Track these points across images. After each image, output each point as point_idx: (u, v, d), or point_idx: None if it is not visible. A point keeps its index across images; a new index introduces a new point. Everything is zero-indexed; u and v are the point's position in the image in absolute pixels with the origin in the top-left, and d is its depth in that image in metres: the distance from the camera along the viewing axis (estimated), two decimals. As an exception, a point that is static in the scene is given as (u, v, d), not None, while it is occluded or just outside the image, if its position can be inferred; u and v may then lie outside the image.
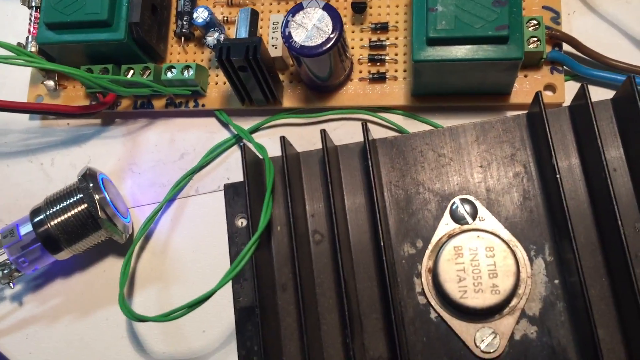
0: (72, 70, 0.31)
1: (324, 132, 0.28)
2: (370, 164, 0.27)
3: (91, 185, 0.31)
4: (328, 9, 0.30)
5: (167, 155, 0.35)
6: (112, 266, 0.34)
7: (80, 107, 0.34)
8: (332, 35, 0.29)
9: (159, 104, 0.35)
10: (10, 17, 0.39)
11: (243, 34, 0.31)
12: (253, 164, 0.29)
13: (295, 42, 0.30)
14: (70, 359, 0.33)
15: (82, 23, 0.32)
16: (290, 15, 0.30)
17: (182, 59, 0.35)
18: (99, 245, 0.33)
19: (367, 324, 0.27)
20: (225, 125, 0.35)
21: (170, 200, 0.34)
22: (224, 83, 0.35)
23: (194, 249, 0.34)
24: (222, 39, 0.33)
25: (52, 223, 0.31)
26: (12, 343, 0.33)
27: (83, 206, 0.31)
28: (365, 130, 0.28)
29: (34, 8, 0.35)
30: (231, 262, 0.32)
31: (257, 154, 0.31)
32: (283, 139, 0.29)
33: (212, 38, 0.33)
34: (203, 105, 0.35)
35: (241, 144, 0.30)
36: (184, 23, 0.35)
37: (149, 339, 0.32)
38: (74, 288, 0.34)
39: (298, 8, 0.30)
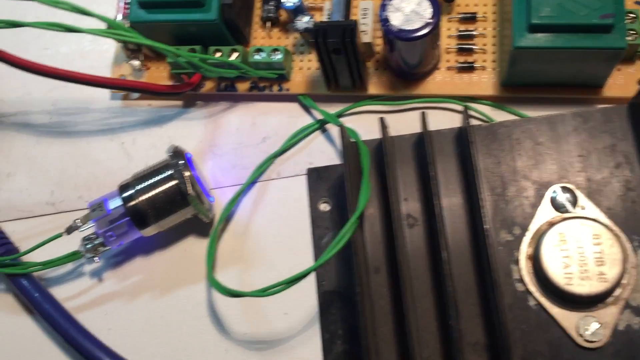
0: (171, 48, 0.31)
1: (423, 115, 0.28)
2: (470, 148, 0.27)
3: (181, 162, 0.31)
4: (427, -7, 0.30)
5: (248, 138, 0.35)
6: (192, 245, 0.34)
7: (169, 86, 0.34)
8: (430, 20, 0.29)
9: (243, 87, 0.35)
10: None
11: (337, 17, 0.31)
12: (348, 146, 0.29)
13: (392, 25, 0.30)
14: (151, 336, 0.33)
15: (176, 3, 0.33)
16: (389, -1, 0.30)
17: (266, 43, 0.35)
18: (180, 225, 0.33)
19: (464, 309, 0.27)
20: (307, 110, 0.35)
21: (251, 182, 0.34)
22: (308, 68, 0.35)
23: (275, 232, 0.34)
24: (311, 23, 0.33)
25: (141, 198, 0.31)
26: (91, 318, 0.33)
27: (173, 182, 0.31)
28: (467, 116, 0.28)
29: (123, -11, 0.35)
30: (314, 245, 0.33)
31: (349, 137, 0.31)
32: (382, 120, 0.29)
33: (301, 22, 0.33)
34: (287, 90, 0.35)
35: (339, 125, 0.30)
36: (271, 7, 0.35)
37: (230, 319, 0.32)
38: (154, 266, 0.34)
39: (396, -8, 0.30)
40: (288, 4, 0.33)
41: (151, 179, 0.32)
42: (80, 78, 0.32)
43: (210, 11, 0.32)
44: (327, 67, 0.32)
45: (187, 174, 0.31)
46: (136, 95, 0.37)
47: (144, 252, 0.34)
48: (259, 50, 0.34)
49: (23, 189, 0.36)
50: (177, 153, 0.32)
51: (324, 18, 0.33)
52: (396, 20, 0.30)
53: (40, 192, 0.36)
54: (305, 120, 0.35)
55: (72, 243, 0.33)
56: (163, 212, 0.31)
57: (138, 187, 0.31)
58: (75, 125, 0.37)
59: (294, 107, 0.36)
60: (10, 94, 0.38)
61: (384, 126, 0.28)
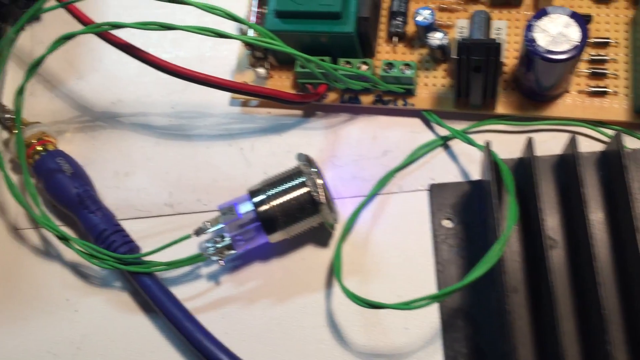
0: (315, 59, 0.32)
1: (573, 139, 0.28)
2: (625, 173, 0.27)
3: (314, 170, 0.32)
4: (575, 16, 0.30)
5: (368, 151, 0.35)
6: (310, 254, 0.34)
7: (298, 95, 0.35)
8: (578, 43, 0.29)
9: (366, 100, 0.36)
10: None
11: (477, 35, 0.32)
12: (493, 165, 0.29)
13: (539, 46, 0.30)
14: (267, 343, 0.33)
15: (313, 14, 0.33)
16: (535, 19, 0.30)
17: (390, 57, 0.36)
18: (302, 233, 0.33)
19: (610, 334, 0.27)
20: (429, 126, 0.35)
21: (372, 195, 0.34)
22: (434, 85, 0.35)
23: (395, 245, 0.34)
24: (445, 40, 0.33)
25: (272, 204, 0.31)
26: (208, 321, 0.33)
27: (305, 189, 0.31)
28: (619, 140, 0.28)
29: (256, -3, 0.36)
30: (436, 261, 0.32)
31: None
32: (530, 140, 0.29)
33: (435, 38, 0.33)
34: (412, 105, 0.35)
35: (485, 144, 0.30)
36: (399, 22, 0.35)
37: (349, 330, 0.32)
38: (271, 273, 0.34)
39: (542, 13, 0.30)
40: (421, 21, 0.34)
41: (283, 185, 0.32)
42: (215, 82, 0.33)
43: (347, 24, 0.33)
44: (461, 84, 0.32)
45: (319, 182, 0.31)
46: (255, 102, 0.37)
47: (262, 258, 0.34)
48: (390, 64, 0.34)
49: (141, 188, 0.37)
50: (308, 161, 0.32)
51: (456, 35, 0.33)
52: (543, 41, 0.30)
53: (158, 192, 0.37)
54: (427, 135, 0.35)
55: (189, 244, 0.33)
56: (292, 219, 0.32)
57: (269, 193, 0.32)
58: (194, 128, 0.38)
59: (415, 122, 0.36)
60: (130, 95, 0.39)
61: (531, 146, 0.28)
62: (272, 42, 0.31)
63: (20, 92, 0.33)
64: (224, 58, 0.39)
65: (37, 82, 0.40)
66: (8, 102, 0.39)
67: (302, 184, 0.32)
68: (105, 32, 0.31)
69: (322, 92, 0.35)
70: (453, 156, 0.35)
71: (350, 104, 0.36)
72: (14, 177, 0.38)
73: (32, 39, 0.41)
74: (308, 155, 0.33)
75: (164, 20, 0.31)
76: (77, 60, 0.41)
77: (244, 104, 0.38)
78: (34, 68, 0.32)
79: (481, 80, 0.31)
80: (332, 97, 0.36)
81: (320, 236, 0.34)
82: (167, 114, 0.38)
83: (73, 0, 0.31)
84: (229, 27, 0.39)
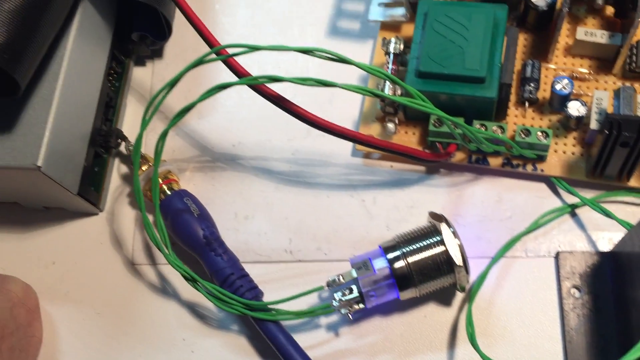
0: (461, 122, 0.32)
1: None
2: None
3: (451, 229, 0.32)
4: None
5: (493, 212, 0.36)
6: (433, 312, 0.34)
7: (432, 154, 0.35)
8: None
9: (494, 162, 0.36)
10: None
11: (625, 111, 0.32)
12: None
13: (691, 127, 0.30)
14: (389, 399, 0.33)
15: (457, 77, 0.34)
16: (687, 100, 0.30)
17: (519, 121, 0.36)
18: (431, 292, 0.33)
19: None
20: (555, 192, 0.36)
21: (498, 258, 0.35)
22: (564, 152, 0.35)
23: (520, 311, 0.34)
24: (584, 111, 0.34)
25: (408, 261, 0.32)
26: (328, 373, 0.33)
27: (441, 248, 0.32)
28: None
29: (391, 55, 0.36)
30: (563, 330, 0.32)
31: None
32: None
33: (573, 109, 0.34)
34: (541, 170, 0.35)
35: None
36: (531, 88, 0.36)
37: (474, 394, 0.32)
38: (392, 328, 0.34)
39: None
40: (559, 90, 0.34)
41: (418, 242, 0.32)
42: (352, 135, 0.33)
43: (490, 89, 0.33)
44: (602, 156, 0.32)
45: (456, 242, 0.32)
46: (377, 154, 0.38)
47: (383, 312, 0.34)
48: (526, 131, 0.34)
49: (261, 232, 0.37)
50: (444, 220, 0.32)
51: (594, 107, 0.34)
52: (696, 122, 0.30)
53: (278, 238, 0.37)
54: (553, 201, 0.36)
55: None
56: (427, 278, 0.32)
57: (405, 250, 0.32)
58: (314, 176, 0.38)
59: (541, 187, 0.36)
60: (250, 137, 0.40)
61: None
62: (424, 105, 0.31)
63: (163, 136, 0.34)
64: (348, 108, 0.39)
65: (158, 119, 0.41)
66: (129, 134, 0.39)
67: (439, 243, 0.32)
68: (261, 85, 0.32)
69: (452, 151, 0.35)
70: (580, 224, 0.35)
71: (477, 165, 0.36)
72: (133, 213, 0.38)
73: (153, 75, 0.42)
74: (443, 214, 0.33)
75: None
76: (190, 93, 0.41)
77: (366, 155, 0.38)
78: (182, 113, 0.33)
79: (625, 155, 0.32)
80: (459, 156, 0.36)
81: (443, 294, 0.34)
82: (288, 160, 0.39)
83: (234, 54, 0.31)
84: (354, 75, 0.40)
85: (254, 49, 0.31)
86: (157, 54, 0.43)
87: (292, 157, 0.39)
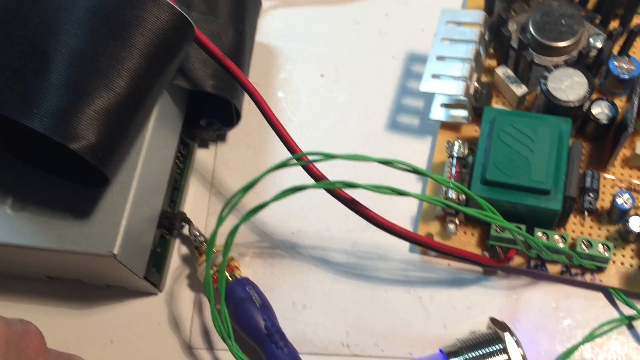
0: (524, 233, 0.33)
1: None
2: None
3: (514, 338, 0.32)
4: None
5: (549, 319, 0.36)
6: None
7: (493, 259, 0.36)
8: None
9: (553, 269, 0.37)
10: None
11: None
12: None
13: None
14: None
15: (523, 187, 0.35)
16: None
17: (577, 230, 0.37)
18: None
19: None
20: (612, 302, 0.36)
21: (555, 366, 0.35)
22: (622, 263, 0.36)
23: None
24: (648, 226, 0.35)
25: (471, 369, 0.32)
26: None
27: (504, 357, 0.32)
28: None
29: (455, 158, 0.38)
30: None
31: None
32: None
33: (635, 224, 0.35)
34: (600, 281, 0.36)
35: None
36: (591, 199, 0.37)
37: None
38: None
39: None
40: (621, 205, 0.35)
41: (481, 349, 0.33)
42: (411, 236, 0.34)
43: (555, 201, 0.34)
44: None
45: (520, 352, 0.32)
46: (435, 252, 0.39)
47: (438, 415, 0.35)
48: (588, 242, 0.35)
49: (319, 323, 0.38)
50: (506, 328, 0.33)
51: (656, 222, 0.34)
52: None
53: (335, 330, 0.37)
54: (610, 311, 0.36)
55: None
56: (488, 387, 0.32)
57: (467, 356, 0.32)
58: (372, 270, 0.39)
59: (599, 297, 0.37)
60: (310, 226, 0.41)
61: None
62: (494, 217, 0.32)
63: (234, 231, 0.35)
64: (407, 202, 0.40)
65: (219, 201, 0.42)
66: (192, 216, 0.40)
67: (502, 352, 0.32)
68: (336, 189, 0.33)
69: (512, 256, 0.36)
70: (637, 337, 0.35)
71: (536, 270, 0.37)
72: (192, 295, 0.39)
73: (215, 158, 0.44)
74: (504, 322, 0.34)
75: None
76: (258, 185, 0.42)
77: (424, 252, 0.39)
78: (255, 211, 0.34)
79: (687, 275, 0.32)
80: (517, 260, 0.37)
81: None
82: (347, 251, 0.40)
83: (313, 160, 0.33)
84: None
85: (332, 157, 0.32)
86: (221, 137, 0.44)
87: (351, 249, 0.40)
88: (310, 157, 0.33)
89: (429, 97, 0.43)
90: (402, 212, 0.40)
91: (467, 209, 0.32)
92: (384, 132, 0.43)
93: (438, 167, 0.40)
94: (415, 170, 0.31)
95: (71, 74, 0.30)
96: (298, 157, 0.33)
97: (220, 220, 0.35)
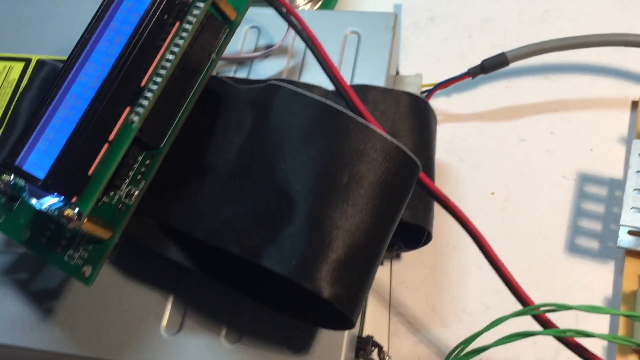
0: None
1: None
2: None
3: None
4: None
5: None
6: None
7: None
8: None
9: None
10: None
11: None
12: None
13: None
14: None
15: None
16: None
17: None
18: None
19: None
20: None
21: None
22: None
23: None
24: None
25: None
26: None
27: None
28: None
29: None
30: None
31: None
32: None
33: None
34: None
35: None
36: None
37: None
38: None
39: None
40: None
41: None
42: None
43: None
44: None
45: None
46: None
47: None
48: None
49: None
50: None
51: None
52: None
53: None
54: None
55: None
56: None
57: None
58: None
59: None
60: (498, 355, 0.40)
61: None
62: None
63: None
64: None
65: (400, 323, 0.42)
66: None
67: None
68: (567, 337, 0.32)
69: None
70: None
71: None
72: (384, 423, 0.39)
73: (391, 276, 0.44)
74: None
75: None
76: (439, 306, 0.42)
77: (622, 386, 0.38)
78: (475, 353, 0.34)
79: None
80: None
81: None
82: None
83: (545, 311, 0.32)
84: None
85: (567, 308, 0.32)
86: (396, 254, 0.44)
87: (542, 380, 0.39)
88: (543, 308, 0.33)
89: (608, 220, 0.43)
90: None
91: None
92: (561, 254, 0.43)
93: (629, 298, 0.40)
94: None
95: (318, 219, 0.30)
96: (532, 309, 0.33)
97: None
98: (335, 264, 0.30)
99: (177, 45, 0.33)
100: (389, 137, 0.32)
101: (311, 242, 0.30)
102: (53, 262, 0.33)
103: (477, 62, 0.48)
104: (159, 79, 0.33)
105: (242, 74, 0.44)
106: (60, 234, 0.34)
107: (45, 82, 0.41)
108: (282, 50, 0.44)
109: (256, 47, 0.45)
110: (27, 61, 0.47)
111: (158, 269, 0.36)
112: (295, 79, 0.44)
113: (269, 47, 0.45)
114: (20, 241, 0.35)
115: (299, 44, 0.45)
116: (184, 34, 0.33)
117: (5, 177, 0.33)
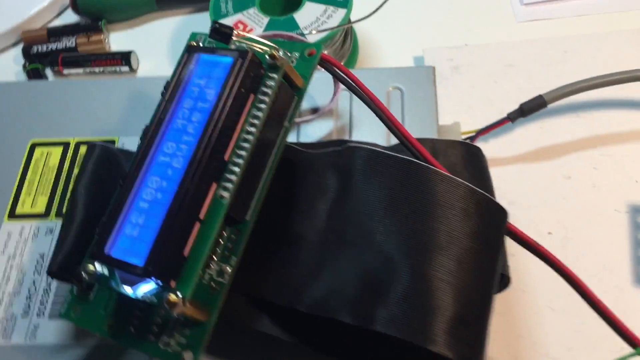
0: None
1: None
2: None
3: None
4: None
5: None
6: None
7: None
8: None
9: None
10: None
11: None
12: None
13: None
14: None
15: None
16: None
17: None
18: None
19: None
20: None
21: None
22: None
23: None
24: None
25: None
26: None
27: None
28: None
29: None
30: None
31: None
32: None
33: None
34: None
35: None
36: None
37: None
38: None
39: None
40: None
41: None
42: None
43: None
44: None
45: None
46: None
47: None
48: None
49: None
50: None
51: None
52: None
53: None
54: None
55: None
56: None
57: None
58: None
59: None
60: None
61: None
62: None
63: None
64: None
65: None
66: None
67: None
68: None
69: None
70: None
71: None
72: None
73: None
74: None
75: None
76: (522, 354, 0.42)
77: None
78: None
79: None
80: None
81: None
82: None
83: None
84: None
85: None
86: (466, 305, 0.44)
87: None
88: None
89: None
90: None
91: None
92: (630, 286, 0.43)
93: None
94: None
95: (425, 278, 0.30)
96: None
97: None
98: (452, 322, 0.29)
99: (256, 117, 0.33)
100: (476, 188, 0.32)
101: (422, 302, 0.29)
102: (146, 351, 0.32)
103: (508, 106, 0.49)
104: (243, 152, 0.32)
105: (291, 137, 0.44)
106: (149, 321, 0.32)
107: (100, 165, 0.40)
108: (327, 111, 0.45)
109: (301, 110, 0.45)
110: (66, 145, 0.46)
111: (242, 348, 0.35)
112: (346, 138, 0.44)
113: (314, 109, 0.45)
114: (102, 333, 0.33)
115: (343, 104, 0.45)
116: (262, 105, 0.33)
117: (90, 267, 0.32)
